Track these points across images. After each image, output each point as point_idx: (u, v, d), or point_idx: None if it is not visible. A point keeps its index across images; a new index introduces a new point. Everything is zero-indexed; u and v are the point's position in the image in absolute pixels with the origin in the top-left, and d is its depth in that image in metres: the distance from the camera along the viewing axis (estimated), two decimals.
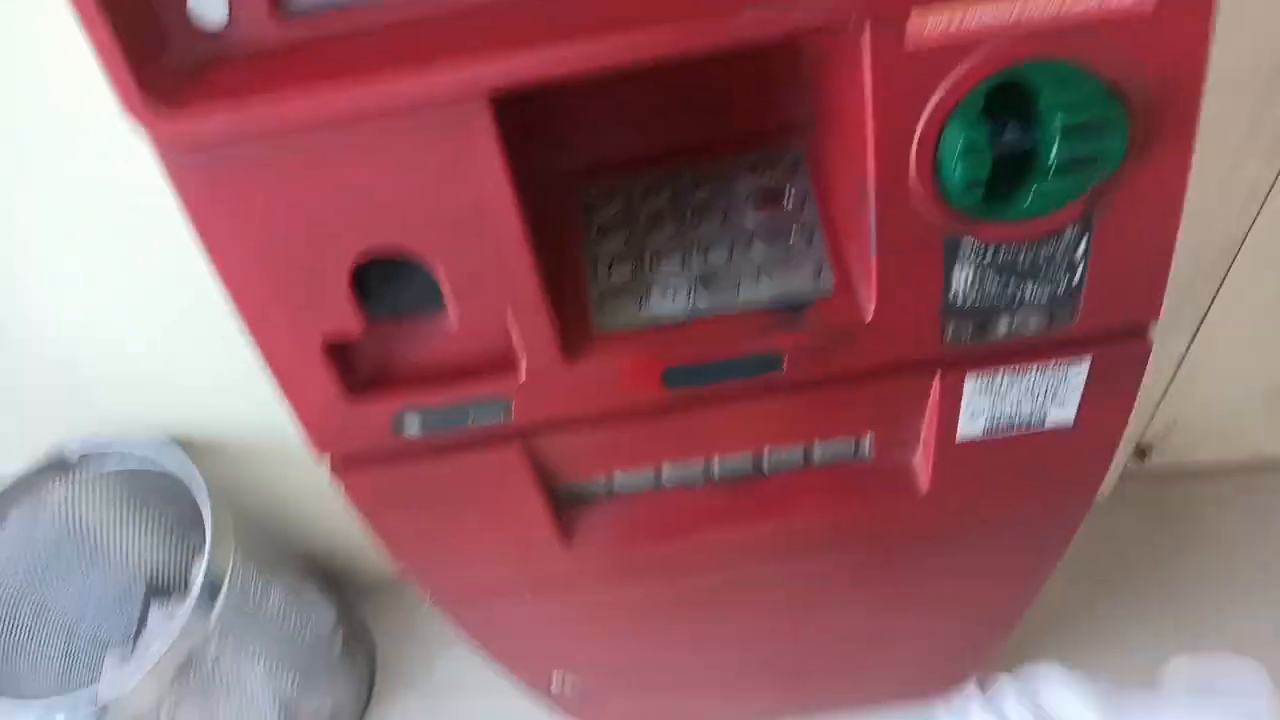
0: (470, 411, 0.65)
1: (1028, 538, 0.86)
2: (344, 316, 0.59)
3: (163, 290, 1.10)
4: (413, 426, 0.66)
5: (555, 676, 1.03)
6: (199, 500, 1.33)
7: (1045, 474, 0.77)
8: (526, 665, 1.00)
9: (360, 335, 0.60)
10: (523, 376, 0.63)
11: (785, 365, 0.65)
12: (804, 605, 0.96)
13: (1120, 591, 1.59)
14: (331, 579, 1.76)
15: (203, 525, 1.31)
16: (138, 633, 1.57)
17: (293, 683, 1.50)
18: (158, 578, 1.59)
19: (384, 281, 0.60)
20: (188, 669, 1.27)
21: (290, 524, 1.63)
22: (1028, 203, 0.56)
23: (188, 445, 1.38)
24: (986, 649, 1.18)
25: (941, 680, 1.33)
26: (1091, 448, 0.75)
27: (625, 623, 0.93)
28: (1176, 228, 0.60)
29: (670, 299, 0.64)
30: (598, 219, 0.66)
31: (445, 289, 0.59)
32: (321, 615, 1.60)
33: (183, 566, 1.57)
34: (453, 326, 0.62)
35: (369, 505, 0.72)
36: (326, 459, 0.70)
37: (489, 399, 0.64)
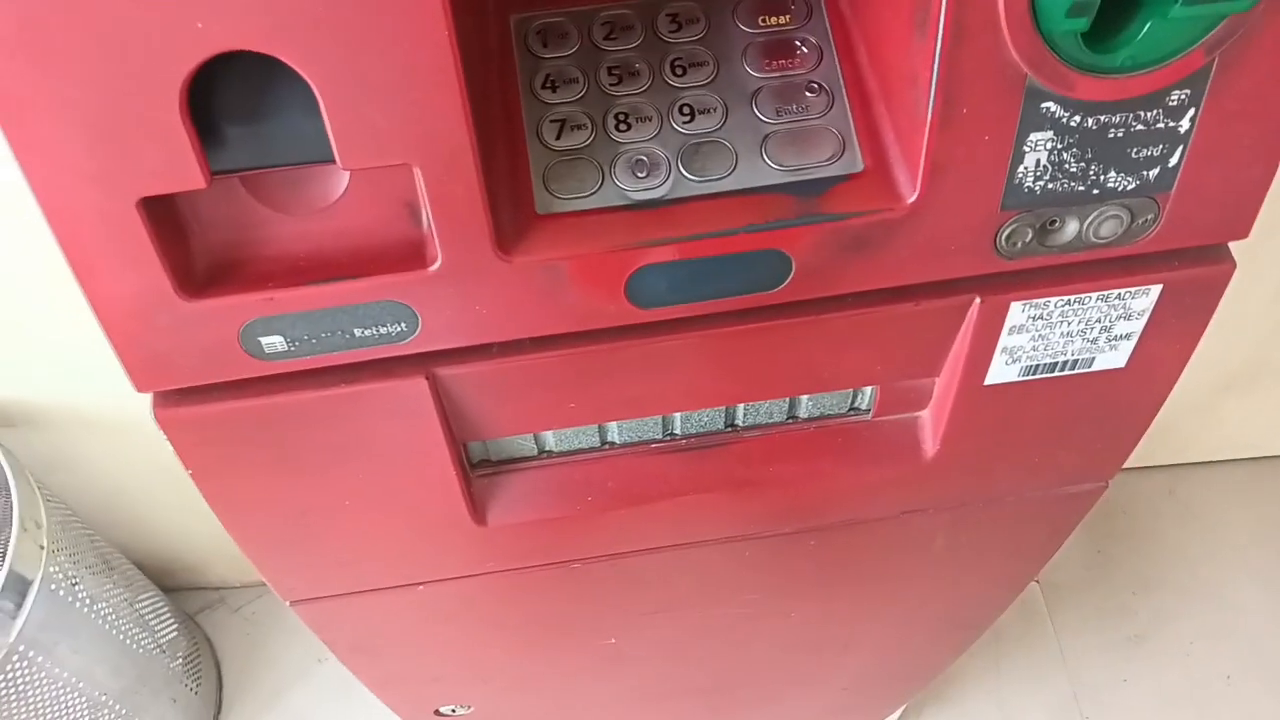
0: (358, 320, 0.46)
1: (1032, 517, 0.72)
2: (175, 158, 0.40)
3: None
4: (273, 343, 0.46)
5: (445, 707, 0.84)
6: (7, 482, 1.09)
7: (1077, 431, 0.62)
8: (410, 690, 0.80)
9: (200, 188, 0.40)
10: (436, 268, 0.45)
11: (794, 272, 0.48)
12: (753, 608, 0.79)
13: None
14: (174, 583, 1.51)
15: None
16: None
17: (123, 710, 1.25)
18: None
19: (234, 116, 0.41)
20: None
21: (126, 520, 1.38)
22: (1138, 41, 0.42)
23: None
24: (940, 663, 1.04)
25: (876, 707, 1.19)
26: (1138, 398, 0.61)
27: (539, 629, 0.75)
28: None
29: (643, 175, 0.47)
30: (544, 64, 0.49)
31: (329, 126, 0.40)
32: (162, 627, 1.36)
33: None
34: (334, 189, 0.44)
35: (205, 466, 0.52)
36: (150, 401, 0.50)
37: (386, 302, 0.46)
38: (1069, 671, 1.45)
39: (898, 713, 1.25)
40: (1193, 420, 1.54)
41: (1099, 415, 0.61)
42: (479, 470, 0.59)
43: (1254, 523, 1.58)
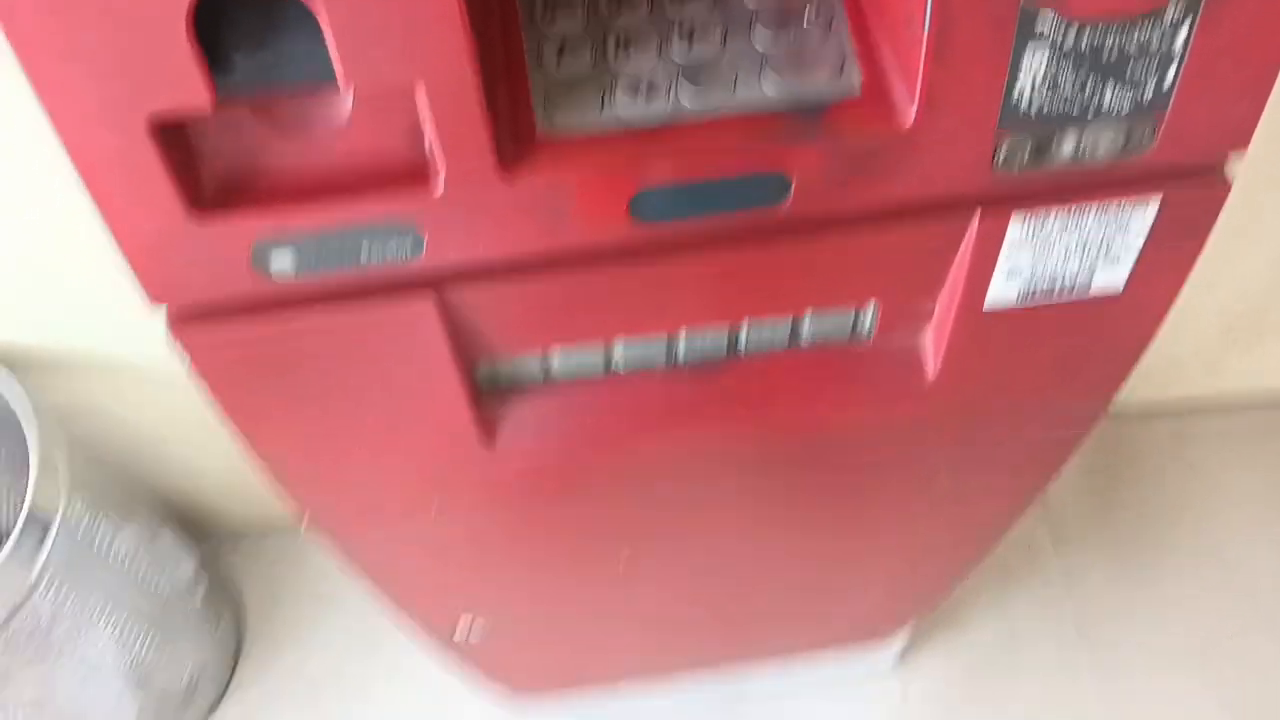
0: (364, 241, 0.47)
1: (1032, 442, 0.73)
2: (181, 80, 0.41)
3: None
4: (282, 262, 0.48)
5: (462, 621, 0.86)
6: (24, 425, 1.11)
7: (1074, 357, 0.63)
8: (427, 605, 0.83)
9: (206, 110, 0.41)
10: (440, 190, 0.46)
11: (793, 192, 0.49)
12: (758, 526, 0.81)
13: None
14: (193, 526, 1.54)
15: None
16: None
17: (146, 645, 1.29)
18: None
19: (241, 46, 0.42)
20: (14, 628, 1.06)
21: (145, 459, 1.41)
22: None
23: (9, 358, 1.15)
24: (945, 585, 1.06)
25: (881, 625, 1.21)
26: (1135, 322, 0.62)
27: (551, 548, 0.77)
28: None
29: (643, 97, 0.48)
30: None
31: (331, 45, 0.41)
32: (180, 567, 1.39)
33: (13, 511, 1.33)
34: (339, 113, 0.44)
35: (220, 380, 0.53)
36: (164, 312, 0.51)
37: (391, 223, 0.47)
38: (1074, 601, 1.46)
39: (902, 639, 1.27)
40: (1198, 369, 1.54)
41: (1096, 341, 0.62)
42: (487, 394, 0.61)
43: (1260, 475, 1.58)
